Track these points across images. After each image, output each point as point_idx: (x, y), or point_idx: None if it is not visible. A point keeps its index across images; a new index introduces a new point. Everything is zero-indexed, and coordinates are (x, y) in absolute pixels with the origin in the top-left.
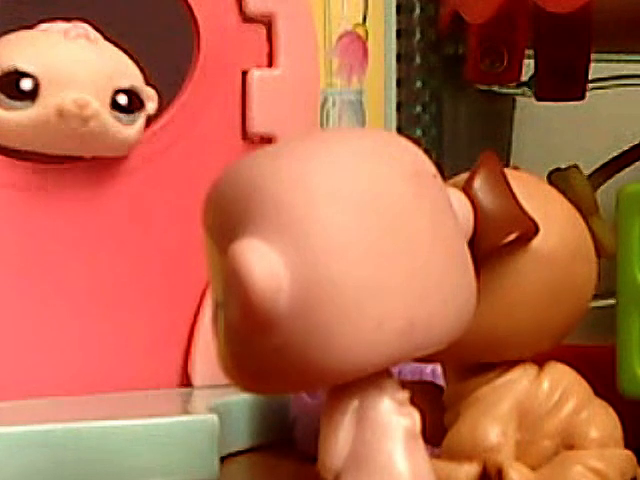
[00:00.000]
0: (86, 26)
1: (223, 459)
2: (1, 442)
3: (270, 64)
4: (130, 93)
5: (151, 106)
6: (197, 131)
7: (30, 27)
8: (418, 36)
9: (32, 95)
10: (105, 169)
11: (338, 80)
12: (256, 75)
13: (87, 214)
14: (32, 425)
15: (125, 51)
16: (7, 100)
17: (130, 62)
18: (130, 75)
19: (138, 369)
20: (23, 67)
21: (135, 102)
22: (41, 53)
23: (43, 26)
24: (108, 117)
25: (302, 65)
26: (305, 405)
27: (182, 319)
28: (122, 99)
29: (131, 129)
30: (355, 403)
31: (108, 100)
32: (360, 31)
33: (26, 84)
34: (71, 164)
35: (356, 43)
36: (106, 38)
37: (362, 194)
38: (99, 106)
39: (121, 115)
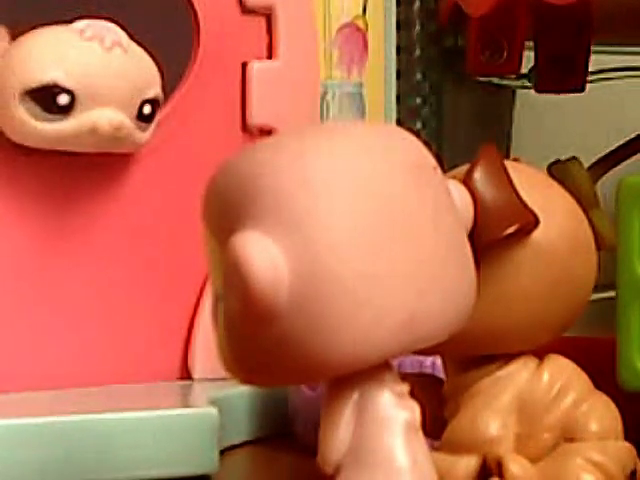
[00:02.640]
0: (118, 31)
1: (223, 452)
2: (1, 434)
3: (270, 56)
4: (154, 102)
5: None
6: (197, 123)
7: (49, 23)
8: (418, 28)
9: (67, 110)
10: (105, 161)
11: (338, 72)
12: (256, 67)
13: (87, 206)
14: (32, 418)
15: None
16: (41, 112)
17: (153, 65)
18: (155, 83)
19: (138, 362)
20: (64, 83)
21: (156, 110)
22: (80, 67)
23: (79, 25)
24: (134, 129)
25: (302, 57)
26: (305, 398)
27: (182, 312)
28: (147, 109)
29: (146, 133)
30: (355, 396)
31: (135, 111)
32: (360, 23)
33: (63, 99)
34: (72, 157)
35: (356, 35)
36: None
37: (362, 187)
38: (129, 121)
39: (143, 124)
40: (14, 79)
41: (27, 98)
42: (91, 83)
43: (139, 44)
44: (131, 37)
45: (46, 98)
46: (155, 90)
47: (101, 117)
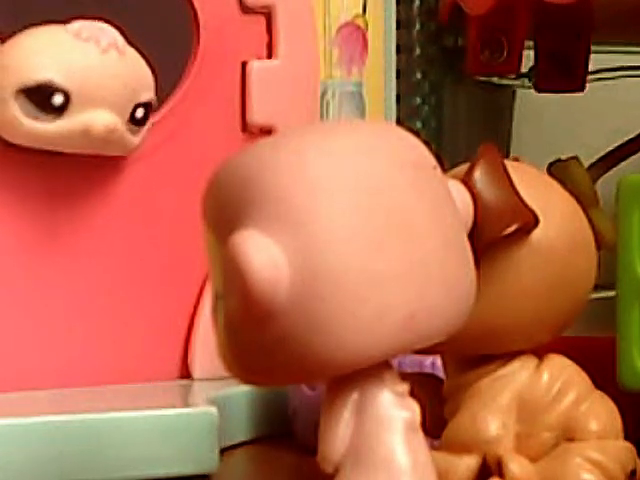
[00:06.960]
0: (114, 33)
1: (223, 451)
2: (2, 433)
3: (270, 55)
4: (147, 106)
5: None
6: (196, 122)
7: (46, 22)
8: (418, 27)
9: (61, 110)
10: (105, 161)
11: (338, 71)
12: (256, 66)
13: (87, 206)
14: (33, 417)
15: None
16: (35, 111)
17: (148, 69)
18: (149, 87)
19: (138, 361)
20: (59, 83)
21: (148, 114)
22: (76, 68)
23: (74, 26)
24: (126, 132)
25: (302, 56)
26: (305, 397)
27: (182, 311)
28: (140, 112)
29: (137, 137)
30: (355, 395)
31: (128, 115)
32: (360, 22)
33: (58, 99)
34: (71, 156)
35: (356, 34)
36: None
37: (362, 186)
38: (121, 124)
39: (134, 127)
40: (9, 77)
41: (22, 97)
42: (87, 84)
43: (134, 46)
44: (127, 39)
45: (41, 97)
46: (149, 94)
47: (95, 119)
